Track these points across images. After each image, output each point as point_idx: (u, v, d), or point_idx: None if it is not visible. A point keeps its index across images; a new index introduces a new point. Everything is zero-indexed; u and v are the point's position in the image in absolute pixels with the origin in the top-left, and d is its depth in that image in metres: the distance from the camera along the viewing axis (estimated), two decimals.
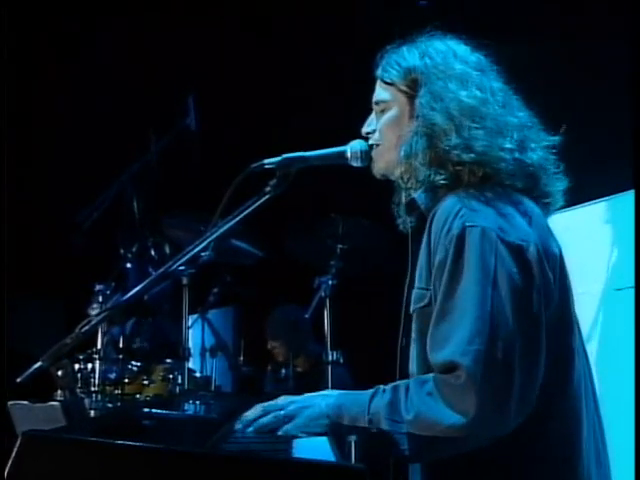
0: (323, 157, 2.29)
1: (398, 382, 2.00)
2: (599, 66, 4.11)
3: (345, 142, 2.29)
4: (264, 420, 2.01)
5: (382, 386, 2.00)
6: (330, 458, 1.83)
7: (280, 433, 1.99)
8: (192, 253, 2.14)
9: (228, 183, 2.22)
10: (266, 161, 2.23)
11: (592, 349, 3.71)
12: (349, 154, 2.26)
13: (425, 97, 2.14)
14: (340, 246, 4.59)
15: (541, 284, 1.96)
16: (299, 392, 2.11)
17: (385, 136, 2.24)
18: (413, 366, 2.11)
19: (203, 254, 2.17)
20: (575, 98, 4.01)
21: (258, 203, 2.16)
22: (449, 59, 2.18)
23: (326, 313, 4.46)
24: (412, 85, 2.18)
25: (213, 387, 4.78)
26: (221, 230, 2.15)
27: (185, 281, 4.00)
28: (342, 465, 1.66)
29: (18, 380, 1.89)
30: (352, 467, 1.55)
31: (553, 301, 1.99)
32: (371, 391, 2.00)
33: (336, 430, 1.97)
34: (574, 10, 4.31)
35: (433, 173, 2.10)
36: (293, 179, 2.22)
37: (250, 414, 2.04)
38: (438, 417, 1.87)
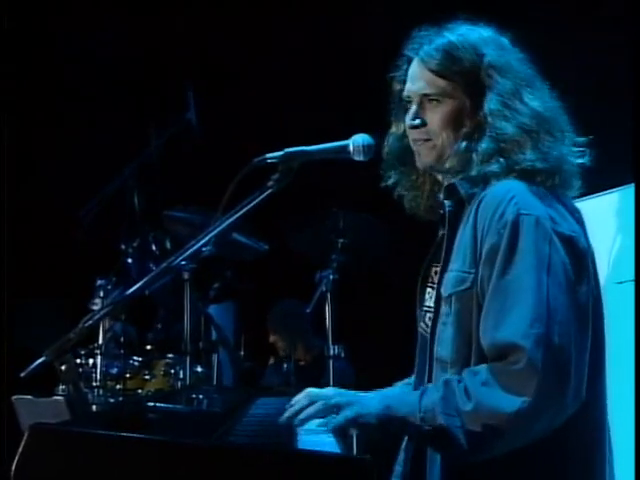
0: (325, 151, 2.28)
1: (448, 377, 1.98)
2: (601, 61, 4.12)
3: (347, 136, 2.30)
4: (314, 408, 1.98)
5: (430, 385, 2.00)
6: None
7: (330, 426, 1.94)
8: (194, 248, 2.14)
9: (230, 177, 2.22)
10: (268, 155, 2.22)
11: None
12: (352, 148, 2.24)
13: (493, 102, 2.09)
14: (341, 240, 4.57)
15: (590, 275, 2.01)
16: (301, 386, 2.10)
17: (441, 131, 2.16)
18: (446, 350, 2.07)
19: (204, 249, 2.17)
20: (576, 91, 4.00)
21: (261, 197, 2.16)
22: (507, 55, 2.14)
23: (327, 307, 4.45)
24: (471, 81, 2.12)
25: (215, 381, 4.78)
26: (223, 225, 2.15)
27: (186, 276, 3.99)
28: (348, 456, 1.68)
29: (22, 375, 1.89)
30: (358, 458, 1.56)
31: (593, 294, 2.03)
32: (418, 391, 1.98)
33: (387, 429, 1.94)
34: (575, 6, 4.32)
35: (489, 172, 2.07)
36: (295, 173, 2.23)
37: (296, 405, 2.01)
38: (498, 405, 1.86)
